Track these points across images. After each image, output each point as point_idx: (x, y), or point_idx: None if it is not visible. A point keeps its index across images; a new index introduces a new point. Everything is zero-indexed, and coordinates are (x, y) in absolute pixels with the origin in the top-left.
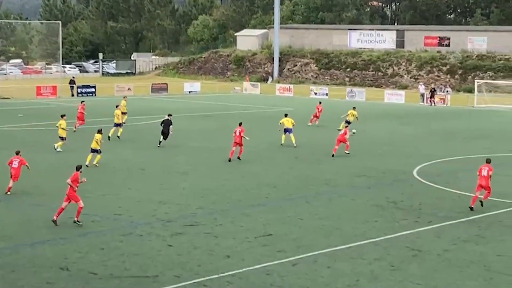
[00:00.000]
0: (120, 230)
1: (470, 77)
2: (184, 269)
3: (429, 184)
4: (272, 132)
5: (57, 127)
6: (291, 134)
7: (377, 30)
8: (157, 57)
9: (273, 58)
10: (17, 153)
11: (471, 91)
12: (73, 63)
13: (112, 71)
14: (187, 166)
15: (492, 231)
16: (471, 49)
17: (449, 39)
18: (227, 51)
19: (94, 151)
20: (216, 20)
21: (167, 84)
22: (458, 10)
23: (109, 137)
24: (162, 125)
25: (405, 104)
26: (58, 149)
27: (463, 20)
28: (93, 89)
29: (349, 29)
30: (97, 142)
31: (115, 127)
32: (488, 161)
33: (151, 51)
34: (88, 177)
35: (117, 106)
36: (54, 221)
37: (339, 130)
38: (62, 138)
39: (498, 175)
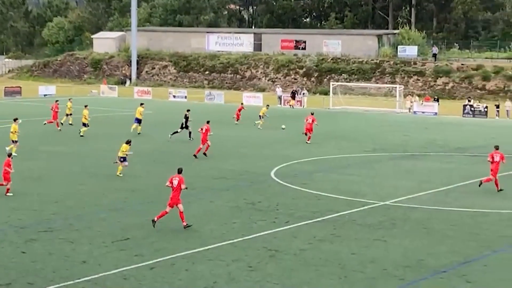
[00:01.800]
0: None
1: (325, 79)
2: (38, 276)
3: (286, 184)
4: (128, 136)
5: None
6: (139, 125)
7: (235, 33)
8: (10, 59)
9: (131, 61)
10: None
11: (326, 93)
12: None
13: None
14: (41, 171)
15: (346, 230)
16: (327, 52)
17: (305, 42)
18: (84, 54)
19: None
20: (71, 22)
21: (21, 87)
22: (314, 14)
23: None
24: (184, 120)
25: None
26: (8, 150)
27: (319, 24)
28: None
29: (207, 32)
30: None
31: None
32: (497, 147)
33: (4, 53)
34: None
35: (85, 106)
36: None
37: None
38: (14, 142)
39: (351, 174)
